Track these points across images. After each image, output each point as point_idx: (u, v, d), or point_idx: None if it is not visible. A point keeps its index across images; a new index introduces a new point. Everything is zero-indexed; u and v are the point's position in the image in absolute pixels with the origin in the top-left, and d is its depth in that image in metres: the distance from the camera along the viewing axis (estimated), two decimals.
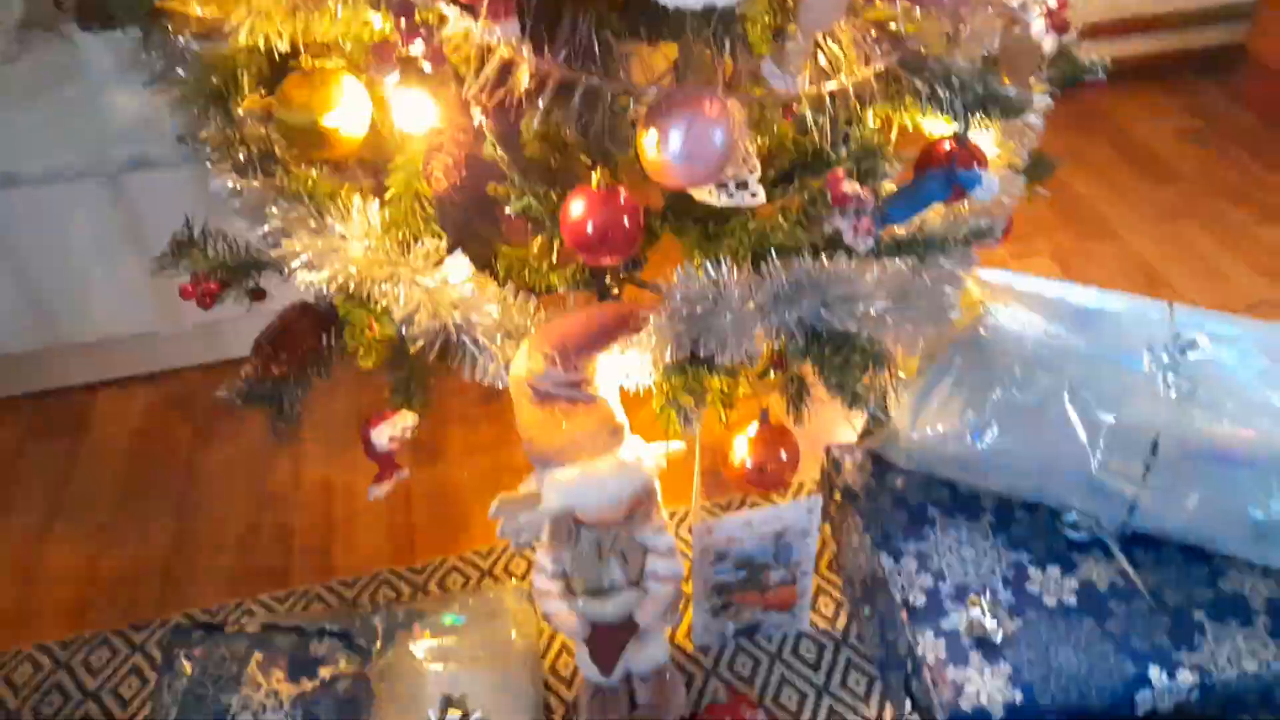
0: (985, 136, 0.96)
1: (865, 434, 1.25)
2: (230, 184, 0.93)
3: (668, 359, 0.84)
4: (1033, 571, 1.10)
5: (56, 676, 1.19)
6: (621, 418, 0.89)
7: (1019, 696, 1.00)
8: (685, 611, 1.20)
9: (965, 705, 0.99)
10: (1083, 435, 1.08)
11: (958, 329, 1.17)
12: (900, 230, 0.87)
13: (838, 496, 1.25)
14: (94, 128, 1.41)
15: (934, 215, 0.90)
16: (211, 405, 1.58)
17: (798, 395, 1.01)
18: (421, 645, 1.07)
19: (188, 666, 0.95)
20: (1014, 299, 1.19)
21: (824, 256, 0.81)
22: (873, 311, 0.82)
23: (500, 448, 1.49)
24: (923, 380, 1.17)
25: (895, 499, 1.19)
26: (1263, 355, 1.11)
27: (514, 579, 1.28)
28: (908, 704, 1.05)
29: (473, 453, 1.49)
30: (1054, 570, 1.10)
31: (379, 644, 1.05)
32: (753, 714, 1.11)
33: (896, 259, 0.85)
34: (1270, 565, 1.08)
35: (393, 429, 0.92)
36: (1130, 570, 1.09)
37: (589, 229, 0.80)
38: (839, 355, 0.80)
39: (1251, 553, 1.08)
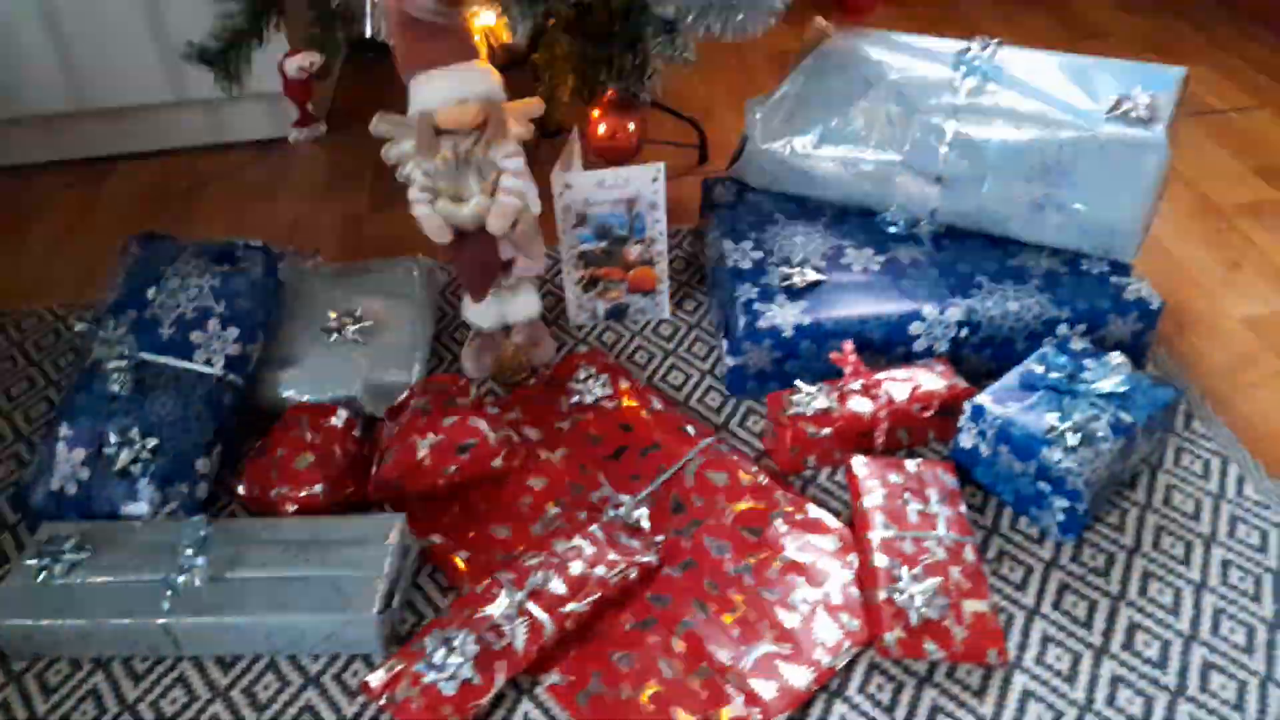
0: None
1: (732, 163, 1.45)
2: None
3: None
4: (850, 251, 1.29)
5: None
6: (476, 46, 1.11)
7: (807, 320, 1.19)
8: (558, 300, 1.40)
9: (762, 325, 1.19)
10: (897, 129, 1.27)
11: (805, 52, 1.36)
12: None
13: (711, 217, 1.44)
14: None
15: None
16: (205, 174, 1.85)
17: (640, 68, 1.22)
18: (325, 279, 1.31)
19: (137, 248, 1.21)
20: (859, 37, 1.38)
21: None
22: None
23: None
24: (772, 98, 1.36)
25: (750, 207, 1.39)
26: (1061, 73, 1.27)
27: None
28: (722, 337, 1.25)
29: None
30: (868, 250, 1.29)
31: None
32: (604, 359, 1.31)
33: None
34: (1045, 241, 1.25)
35: (302, 61, 1.16)
36: (931, 248, 1.27)
37: None
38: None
39: (1032, 228, 1.25)
